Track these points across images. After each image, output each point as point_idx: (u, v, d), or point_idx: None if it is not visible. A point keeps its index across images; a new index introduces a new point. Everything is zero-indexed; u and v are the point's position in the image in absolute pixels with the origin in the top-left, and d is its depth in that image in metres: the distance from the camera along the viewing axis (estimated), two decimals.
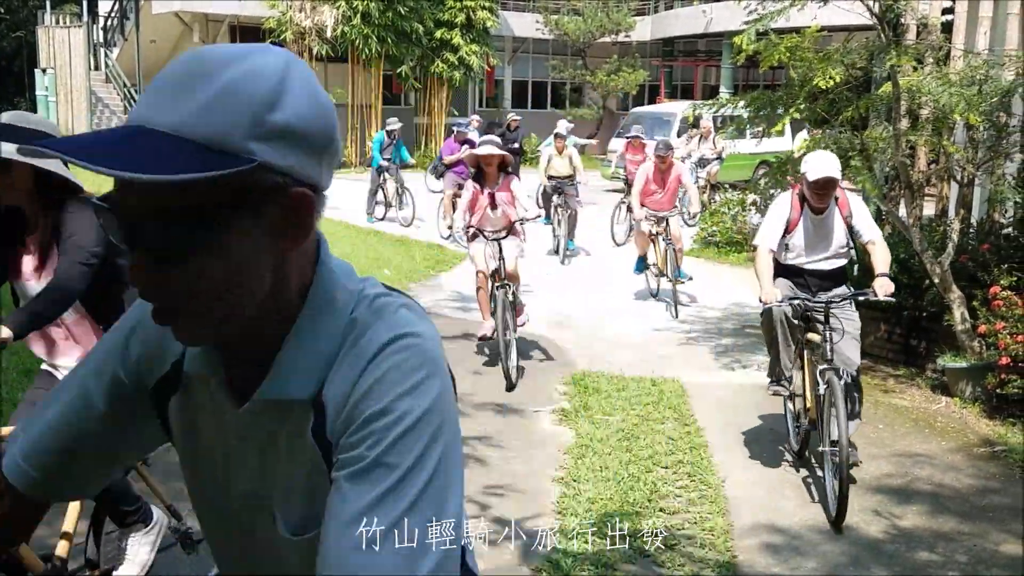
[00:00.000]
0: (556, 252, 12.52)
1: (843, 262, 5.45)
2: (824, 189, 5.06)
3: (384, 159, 15.06)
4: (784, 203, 5.33)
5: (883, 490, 5.24)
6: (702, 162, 16.93)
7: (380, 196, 15.43)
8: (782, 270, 5.39)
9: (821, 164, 5.07)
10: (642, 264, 10.20)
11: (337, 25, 23.06)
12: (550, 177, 13.07)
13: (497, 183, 7.29)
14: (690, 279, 10.03)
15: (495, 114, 29.55)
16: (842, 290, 5.35)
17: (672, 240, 9.71)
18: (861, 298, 5.30)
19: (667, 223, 9.82)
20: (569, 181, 12.83)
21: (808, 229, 5.26)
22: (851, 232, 5.27)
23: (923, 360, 7.54)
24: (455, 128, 15.07)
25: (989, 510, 5.02)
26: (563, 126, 16.80)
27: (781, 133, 16.93)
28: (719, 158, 17.59)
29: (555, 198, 12.88)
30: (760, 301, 5.21)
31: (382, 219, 15.39)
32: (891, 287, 5.06)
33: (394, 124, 15.29)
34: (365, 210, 15.43)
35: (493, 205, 7.28)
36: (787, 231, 5.27)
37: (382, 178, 15.24)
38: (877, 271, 5.11)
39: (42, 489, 1.33)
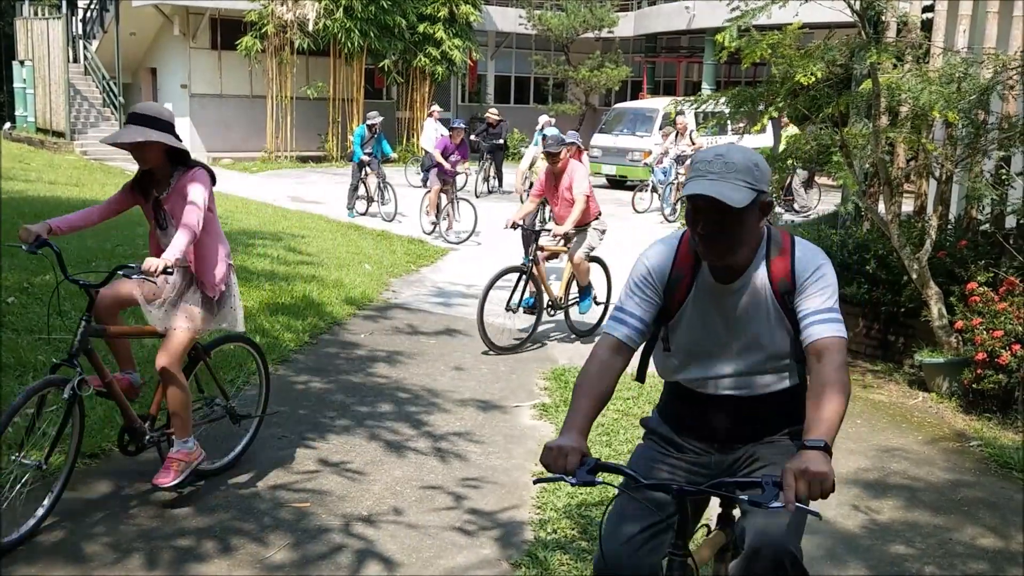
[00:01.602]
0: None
1: (783, 383, 2.76)
2: (712, 225, 2.51)
3: (365, 153, 15.01)
4: (659, 255, 2.78)
5: (860, 484, 5.28)
6: (680, 159, 16.80)
7: (361, 191, 15.38)
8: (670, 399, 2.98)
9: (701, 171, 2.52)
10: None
11: (319, 18, 22.97)
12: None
13: None
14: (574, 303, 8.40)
15: (477, 109, 29.57)
16: (777, 449, 2.79)
17: (570, 261, 8.14)
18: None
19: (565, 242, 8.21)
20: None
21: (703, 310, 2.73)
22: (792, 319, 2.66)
23: (901, 355, 7.60)
24: (452, 127, 14.83)
25: (964, 504, 5.07)
26: (542, 124, 16.84)
27: (762, 130, 17.05)
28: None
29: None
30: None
31: (363, 214, 15.34)
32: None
33: (375, 118, 15.24)
34: (346, 205, 15.39)
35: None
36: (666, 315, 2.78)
37: (363, 172, 15.19)
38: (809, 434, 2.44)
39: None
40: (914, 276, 6.93)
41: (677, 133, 17.45)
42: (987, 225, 7.57)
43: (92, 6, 26.94)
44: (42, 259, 8.87)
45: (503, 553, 4.27)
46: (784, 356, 2.71)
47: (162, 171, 4.44)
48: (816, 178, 17.90)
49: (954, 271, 7.05)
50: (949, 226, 7.73)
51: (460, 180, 15.06)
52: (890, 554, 4.45)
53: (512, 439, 5.76)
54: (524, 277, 7.87)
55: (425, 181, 17.29)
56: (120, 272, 4.35)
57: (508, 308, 7.84)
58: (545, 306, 8.07)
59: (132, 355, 4.90)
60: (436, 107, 19.96)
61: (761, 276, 2.65)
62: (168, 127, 4.33)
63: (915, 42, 7.48)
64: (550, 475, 2.45)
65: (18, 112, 27.29)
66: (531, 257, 7.96)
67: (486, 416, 6.17)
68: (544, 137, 11.17)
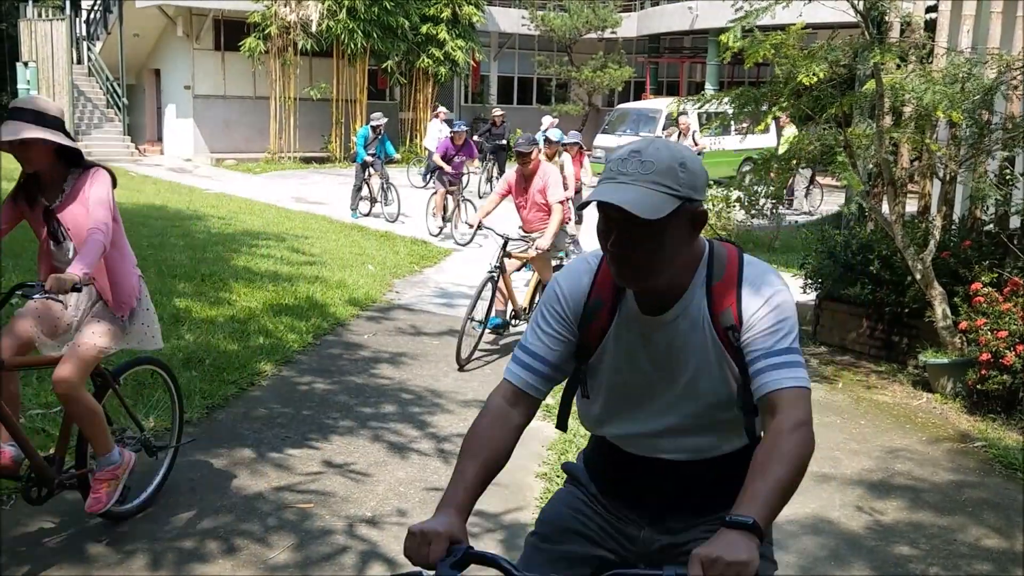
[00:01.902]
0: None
1: (732, 444, 2.22)
2: (622, 241, 1.99)
3: (369, 154, 15.00)
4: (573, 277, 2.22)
5: (864, 485, 5.27)
6: None
7: (364, 192, 15.38)
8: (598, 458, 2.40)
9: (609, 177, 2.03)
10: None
11: (322, 19, 22.98)
12: None
13: None
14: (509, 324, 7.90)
15: (480, 110, 29.59)
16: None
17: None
18: None
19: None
20: None
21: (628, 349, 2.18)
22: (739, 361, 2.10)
23: (905, 356, 7.58)
24: (453, 130, 14.65)
25: (968, 504, 5.06)
26: (546, 125, 16.84)
27: (765, 130, 17.04)
28: (699, 155, 17.55)
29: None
30: None
31: (367, 215, 15.34)
32: None
33: (379, 119, 15.23)
34: (349, 205, 15.39)
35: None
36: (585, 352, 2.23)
37: (367, 173, 15.18)
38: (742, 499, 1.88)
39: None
40: (918, 276, 6.92)
41: (680, 133, 17.41)
42: (991, 225, 7.56)
43: (96, 7, 26.98)
44: None
45: (507, 554, 4.26)
46: (730, 409, 2.12)
47: (52, 175, 3.87)
48: (818, 178, 17.91)
49: (958, 271, 7.03)
50: (953, 226, 7.71)
51: (464, 180, 15.04)
52: (894, 555, 4.45)
53: None
54: (492, 286, 7.42)
55: (427, 181, 17.27)
56: (19, 293, 3.70)
57: (471, 319, 7.26)
58: (508, 318, 7.74)
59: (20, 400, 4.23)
60: (442, 108, 19.96)
61: (699, 306, 2.08)
62: (57, 123, 3.77)
63: (919, 42, 7.47)
64: (403, 573, 1.97)
65: None
66: (498, 264, 7.47)
67: None
68: (546, 140, 11.01)
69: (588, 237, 11.71)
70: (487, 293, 7.43)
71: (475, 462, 2.10)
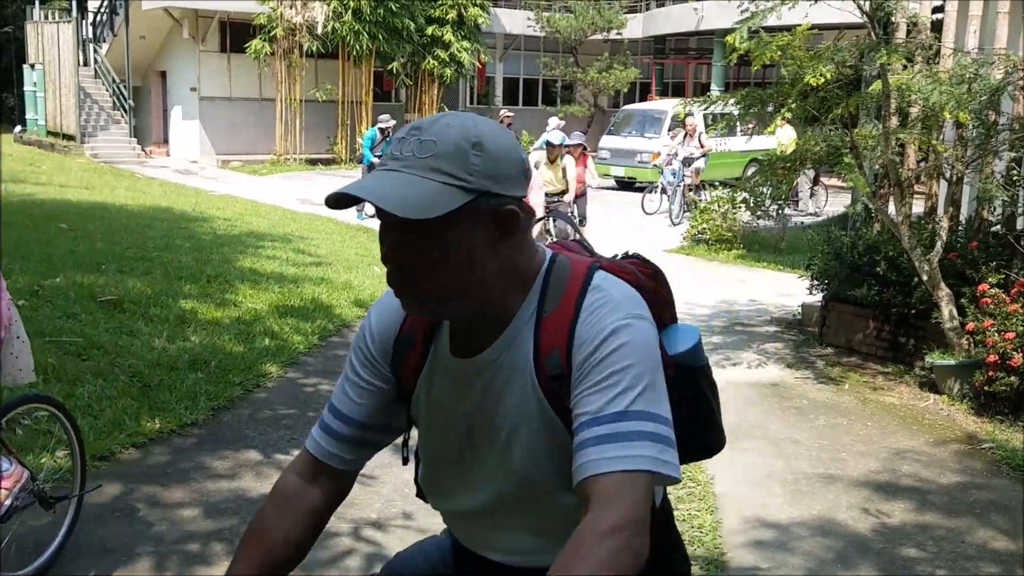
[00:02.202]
0: None
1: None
2: (390, 249, 1.49)
3: (375, 156, 14.99)
4: (383, 310, 1.73)
5: (871, 487, 5.25)
6: (687, 161, 16.67)
7: None
8: None
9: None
10: None
11: (328, 21, 23.01)
12: (545, 193, 10.96)
13: None
14: None
15: (486, 111, 29.57)
16: None
17: None
18: None
19: None
20: (559, 199, 10.99)
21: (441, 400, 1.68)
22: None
23: (911, 357, 7.56)
24: None
25: (976, 506, 5.04)
26: (552, 126, 16.79)
27: (774, 132, 17.02)
28: (704, 156, 17.33)
29: (543, 223, 10.23)
30: None
31: (372, 216, 15.32)
32: None
33: (387, 121, 15.22)
34: (355, 207, 15.37)
35: None
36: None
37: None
38: None
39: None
40: (925, 278, 6.89)
41: (686, 134, 17.30)
42: (998, 226, 7.53)
43: (102, 9, 27.05)
44: (52, 261, 8.93)
45: None
46: (565, 494, 1.51)
47: None
48: (824, 179, 17.88)
49: (965, 273, 7.01)
50: (960, 227, 7.69)
51: None
52: (901, 557, 4.43)
53: None
54: None
55: None
56: None
57: None
58: None
59: None
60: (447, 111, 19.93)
61: (525, 346, 1.52)
62: None
63: (925, 43, 7.45)
64: None
65: (28, 115, 27.43)
66: None
67: None
68: (547, 143, 11.03)
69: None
70: None
71: (253, 555, 1.63)
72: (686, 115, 15.89)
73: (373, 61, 24.67)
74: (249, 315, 7.89)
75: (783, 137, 17.09)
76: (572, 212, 11.24)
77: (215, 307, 7.95)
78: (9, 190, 15.20)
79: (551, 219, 9.69)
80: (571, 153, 11.45)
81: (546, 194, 10.60)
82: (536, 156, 12.00)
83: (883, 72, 6.62)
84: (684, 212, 16.06)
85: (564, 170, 10.93)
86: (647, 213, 16.98)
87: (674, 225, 15.75)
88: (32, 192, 15.15)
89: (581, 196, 11.62)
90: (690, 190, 16.65)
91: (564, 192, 10.99)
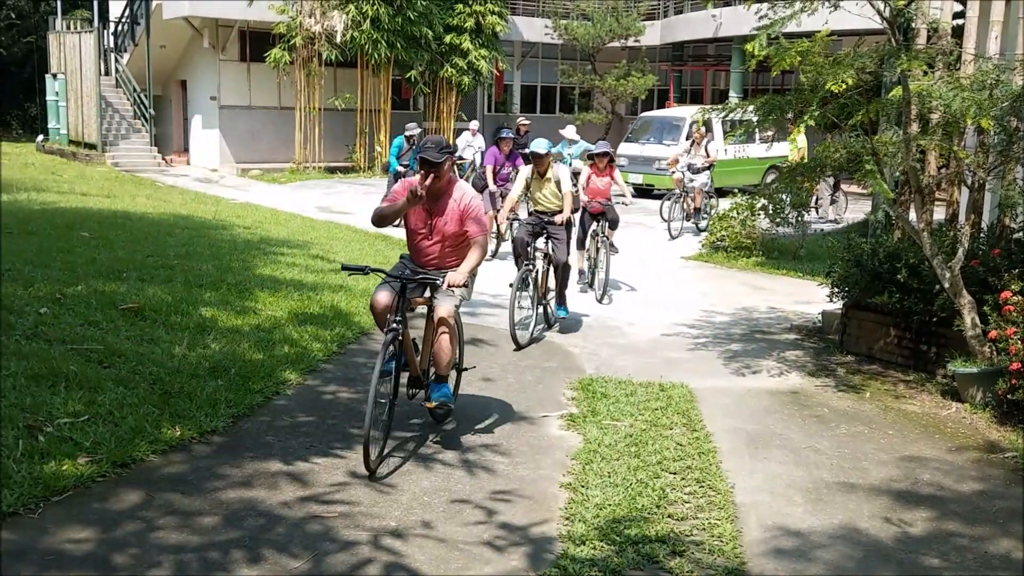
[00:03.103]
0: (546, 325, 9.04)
1: None
2: None
3: (402, 165, 14.92)
4: None
5: (892, 495, 5.21)
6: (691, 169, 16.13)
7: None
8: None
9: None
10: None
11: (347, 30, 23.10)
12: (532, 213, 9.23)
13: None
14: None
15: (504, 119, 29.61)
16: None
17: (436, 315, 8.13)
18: None
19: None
20: (550, 219, 8.93)
21: None
22: None
23: (933, 365, 7.50)
24: (502, 135, 12.96)
25: (999, 516, 4.99)
26: (570, 130, 16.73)
27: (795, 139, 16.90)
28: (708, 169, 16.41)
29: (534, 242, 8.84)
30: None
31: (397, 226, 15.21)
32: None
33: (413, 129, 15.19)
34: None
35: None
36: None
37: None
38: None
39: None
40: (946, 285, 6.84)
41: (693, 142, 16.73)
42: (1021, 233, 7.47)
43: (123, 20, 27.28)
44: (74, 269, 8.98)
45: (532, 566, 4.25)
46: None
47: None
48: (844, 186, 17.78)
49: (987, 280, 6.95)
50: (982, 234, 7.64)
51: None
52: (924, 566, 4.39)
53: (540, 450, 5.73)
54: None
55: None
56: None
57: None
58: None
59: None
60: (475, 122, 19.87)
61: None
62: None
63: (946, 49, 7.41)
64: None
65: (51, 124, 27.68)
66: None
67: (513, 427, 6.15)
68: (533, 154, 9.02)
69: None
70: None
71: None
72: (692, 123, 15.72)
73: (391, 69, 24.75)
74: (269, 323, 7.92)
75: (797, 144, 17.03)
76: (569, 235, 9.16)
77: (235, 315, 7.98)
78: (31, 198, 15.33)
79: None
80: (596, 164, 10.46)
81: (536, 212, 9.07)
82: (526, 173, 9.19)
83: (904, 78, 6.58)
84: (683, 224, 15.73)
85: (559, 184, 8.99)
86: (664, 220, 16.88)
87: (672, 239, 15.36)
88: (54, 200, 15.27)
89: (602, 212, 10.38)
90: (689, 218, 16.06)
91: (557, 212, 8.93)
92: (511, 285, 8.38)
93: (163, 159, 25.63)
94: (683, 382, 7.23)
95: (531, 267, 8.67)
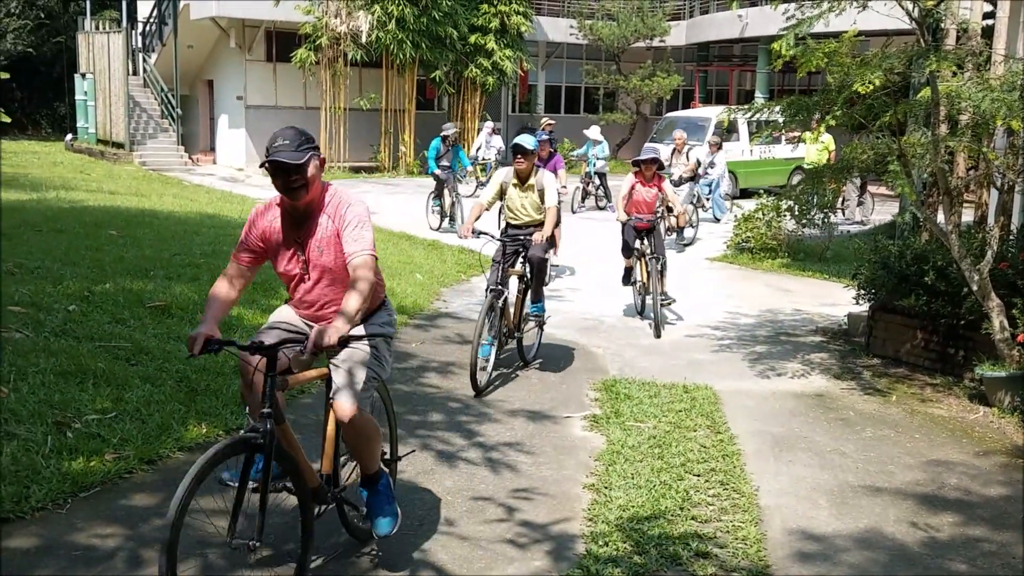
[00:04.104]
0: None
1: None
2: None
3: (441, 167, 14.84)
4: None
5: (918, 499, 5.17)
6: (669, 181, 13.17)
7: (438, 204, 15.19)
8: None
9: None
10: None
11: (372, 30, 23.18)
12: (506, 228, 7.76)
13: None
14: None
15: (528, 119, 29.62)
16: None
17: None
18: None
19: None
20: (526, 233, 7.43)
21: None
22: None
23: (961, 369, 7.43)
24: (540, 138, 10.97)
25: None
26: (594, 130, 16.61)
27: (816, 140, 16.79)
28: (691, 181, 15.25)
29: (512, 260, 7.43)
30: None
31: (436, 229, 15.05)
32: None
33: (449, 129, 15.15)
34: (430, 211, 15.29)
35: None
36: None
37: (446, 188, 14.95)
38: None
39: None
40: (975, 288, 6.78)
41: (674, 150, 15.18)
42: None
43: (151, 20, 27.51)
44: (102, 267, 9.06)
45: (555, 566, 4.25)
46: None
47: None
48: (870, 187, 17.65)
49: (1016, 283, 6.89)
50: (1011, 237, 7.56)
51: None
52: (950, 571, 4.35)
53: (563, 450, 5.73)
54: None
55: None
56: None
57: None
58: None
59: None
60: (490, 122, 19.87)
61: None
62: None
63: (976, 49, 7.34)
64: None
65: (79, 124, 27.96)
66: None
67: (536, 426, 6.16)
68: (516, 147, 7.41)
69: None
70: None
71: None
72: (676, 127, 14.94)
73: (416, 70, 24.81)
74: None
75: (820, 144, 16.88)
76: (545, 253, 7.56)
77: (260, 313, 8.03)
78: (60, 197, 15.49)
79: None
80: (643, 172, 9.30)
81: (512, 227, 7.63)
82: (500, 175, 7.78)
83: (932, 79, 6.53)
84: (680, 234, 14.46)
85: (542, 194, 7.46)
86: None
87: (684, 244, 14.98)
88: (83, 199, 15.43)
89: (648, 230, 9.12)
90: (670, 232, 13.51)
91: (536, 225, 7.48)
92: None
93: (190, 158, 25.82)
94: (707, 384, 7.20)
95: (499, 293, 7.07)
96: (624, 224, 9.26)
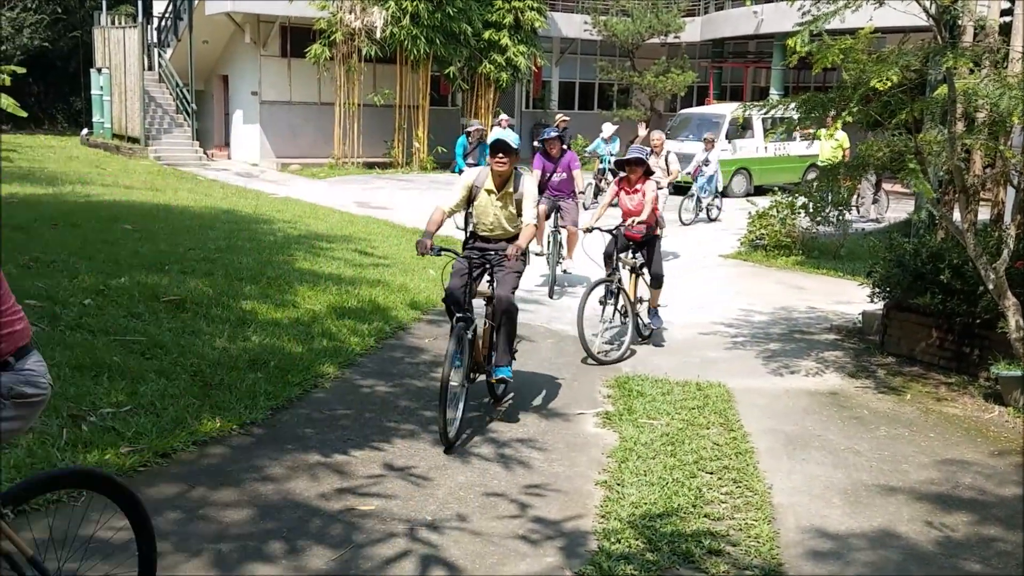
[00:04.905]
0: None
1: None
2: None
3: (468, 164, 14.82)
4: None
5: (932, 498, 5.15)
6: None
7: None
8: None
9: None
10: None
11: (386, 26, 23.20)
12: (472, 237, 6.54)
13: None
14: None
15: (541, 115, 29.59)
16: None
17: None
18: None
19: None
20: (498, 251, 6.19)
21: None
22: None
23: (976, 368, 7.39)
24: (546, 136, 10.80)
25: None
26: (608, 128, 16.58)
27: (831, 137, 16.70)
28: (667, 187, 12.47)
29: (477, 286, 6.27)
30: None
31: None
32: None
33: (474, 125, 15.12)
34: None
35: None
36: None
37: None
38: None
39: None
40: (991, 286, 6.74)
41: (651, 151, 11.99)
42: None
43: (167, 15, 27.61)
44: (118, 262, 9.11)
45: (567, 562, 4.25)
46: None
47: None
48: (885, 185, 17.55)
49: None
50: None
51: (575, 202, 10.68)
52: (964, 571, 4.33)
53: (575, 447, 5.73)
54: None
55: None
56: None
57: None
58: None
59: None
60: (504, 116, 19.80)
61: None
62: None
63: (993, 46, 7.29)
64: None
65: (95, 118, 28.08)
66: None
67: (549, 423, 6.16)
68: (496, 144, 6.20)
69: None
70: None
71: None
72: (651, 129, 14.33)
73: (430, 66, 24.82)
74: (307, 316, 7.99)
75: (834, 141, 16.80)
76: (513, 274, 6.17)
77: (275, 308, 8.06)
78: (76, 191, 15.57)
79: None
80: (628, 177, 8.21)
81: (479, 239, 6.44)
82: (469, 176, 6.55)
83: (949, 76, 6.49)
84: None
85: (519, 204, 6.25)
86: (683, 224, 16.56)
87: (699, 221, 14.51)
88: (98, 193, 15.50)
89: (641, 243, 8.23)
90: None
91: (510, 238, 6.30)
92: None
93: (204, 153, 25.90)
94: (720, 381, 7.18)
95: (468, 321, 5.91)
96: (614, 233, 8.08)
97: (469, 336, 5.93)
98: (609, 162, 18.54)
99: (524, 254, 6.19)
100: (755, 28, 26.68)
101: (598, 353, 7.73)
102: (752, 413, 6.51)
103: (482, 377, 6.28)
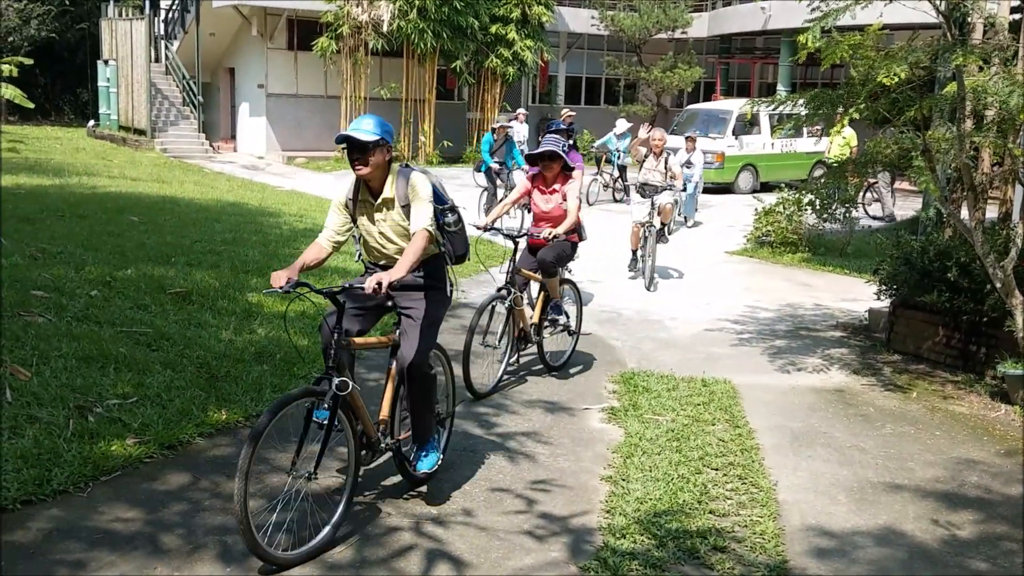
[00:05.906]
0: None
1: None
2: None
3: (496, 161, 14.57)
4: None
5: (938, 497, 5.14)
6: (644, 192, 11.17)
7: (491, 199, 14.65)
8: None
9: None
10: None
11: (393, 19, 23.18)
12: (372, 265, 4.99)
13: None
14: None
15: (548, 110, 29.56)
16: None
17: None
18: None
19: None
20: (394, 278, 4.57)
21: None
22: None
23: (982, 367, 7.38)
24: (552, 128, 9.41)
25: None
26: (621, 124, 16.52)
27: (838, 134, 16.67)
28: (671, 188, 11.28)
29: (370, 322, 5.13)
30: None
31: (487, 229, 14.61)
32: None
33: (501, 121, 14.88)
34: (483, 210, 14.32)
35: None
36: None
37: (496, 182, 14.55)
38: None
39: None
40: (998, 285, 6.72)
41: (648, 152, 11.50)
42: None
43: (174, 7, 27.62)
44: (124, 254, 9.12)
45: (572, 558, 4.25)
46: None
47: None
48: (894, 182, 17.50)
49: None
50: None
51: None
52: (970, 569, 4.33)
53: (580, 442, 5.73)
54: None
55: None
56: None
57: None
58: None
59: None
60: (521, 110, 19.72)
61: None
62: None
63: (1003, 44, 7.26)
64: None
65: (102, 110, 28.12)
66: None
67: (554, 418, 6.16)
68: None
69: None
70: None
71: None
72: (652, 128, 13.87)
73: (437, 59, 24.80)
74: (313, 309, 7.98)
75: (841, 139, 16.72)
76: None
77: (280, 300, 8.06)
78: (83, 183, 15.59)
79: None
80: (543, 174, 7.26)
81: (370, 266, 5.04)
82: (423, 185, 4.90)
83: (959, 74, 6.46)
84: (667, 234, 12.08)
85: (406, 209, 4.76)
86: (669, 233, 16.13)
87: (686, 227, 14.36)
88: (104, 185, 15.52)
89: (539, 248, 7.26)
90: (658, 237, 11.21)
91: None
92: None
93: (211, 146, 25.92)
94: (726, 378, 7.18)
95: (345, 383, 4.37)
96: (516, 239, 7.32)
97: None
98: (619, 158, 18.53)
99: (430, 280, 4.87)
100: (762, 24, 26.64)
101: (478, 387, 6.50)
102: (757, 410, 6.51)
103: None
